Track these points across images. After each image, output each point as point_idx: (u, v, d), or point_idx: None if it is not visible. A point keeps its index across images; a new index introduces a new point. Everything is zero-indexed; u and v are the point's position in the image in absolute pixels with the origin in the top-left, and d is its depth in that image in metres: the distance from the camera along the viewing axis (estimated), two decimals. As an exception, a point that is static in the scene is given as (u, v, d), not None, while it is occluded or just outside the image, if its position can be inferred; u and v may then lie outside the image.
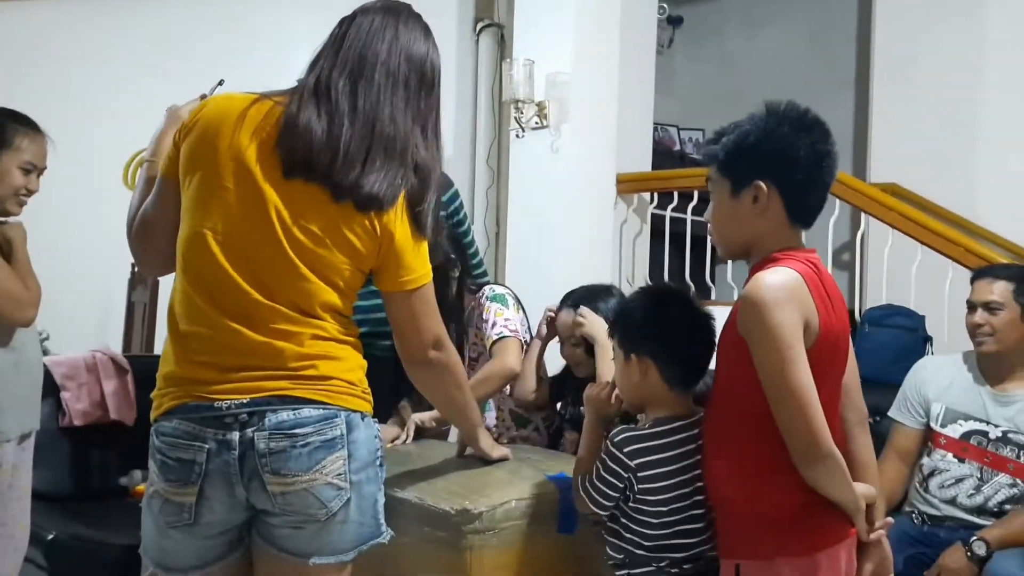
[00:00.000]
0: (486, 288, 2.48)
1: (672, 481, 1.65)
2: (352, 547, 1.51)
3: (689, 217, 3.96)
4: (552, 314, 2.40)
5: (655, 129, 5.04)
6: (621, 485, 1.65)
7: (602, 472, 1.66)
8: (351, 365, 1.54)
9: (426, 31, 1.61)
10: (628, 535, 1.67)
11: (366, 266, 1.54)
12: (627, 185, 4.06)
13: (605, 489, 1.66)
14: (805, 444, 1.48)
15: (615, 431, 1.69)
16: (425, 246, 1.58)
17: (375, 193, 1.47)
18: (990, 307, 2.46)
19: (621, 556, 1.69)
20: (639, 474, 1.64)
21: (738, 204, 1.59)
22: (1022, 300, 2.44)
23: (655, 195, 4.14)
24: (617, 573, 1.70)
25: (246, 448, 1.44)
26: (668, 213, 4.07)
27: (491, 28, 4.16)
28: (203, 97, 1.66)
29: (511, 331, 2.34)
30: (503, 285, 2.56)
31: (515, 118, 3.63)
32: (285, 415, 1.45)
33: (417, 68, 1.55)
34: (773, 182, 1.56)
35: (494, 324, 2.35)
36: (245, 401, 1.45)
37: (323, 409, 1.47)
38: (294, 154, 1.46)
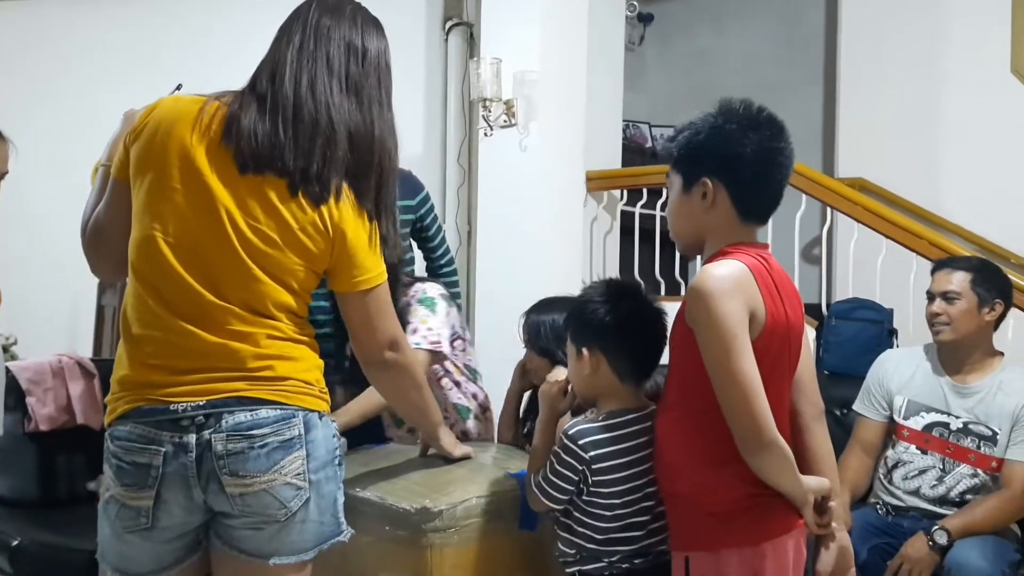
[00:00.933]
0: (418, 286, 2.40)
1: (625, 473, 1.66)
2: (313, 546, 1.51)
3: (659, 213, 3.97)
4: (524, 361, 2.31)
5: (626, 126, 5.06)
6: (576, 478, 1.66)
7: (556, 466, 1.67)
8: (307, 365, 1.54)
9: (353, 11, 1.60)
10: (580, 529, 1.68)
11: (319, 267, 1.54)
12: (597, 182, 4.07)
13: (560, 483, 1.67)
14: (749, 432, 1.49)
15: (569, 424, 1.70)
16: (378, 244, 1.57)
17: (310, 170, 1.48)
18: (948, 296, 2.50)
19: (573, 552, 1.69)
20: (593, 466, 1.65)
21: (689, 200, 1.62)
22: (979, 290, 2.48)
23: (625, 192, 4.16)
24: (568, 570, 1.71)
25: (203, 450, 1.44)
26: (638, 210, 4.09)
27: (460, 27, 4.16)
28: None
29: (430, 343, 2.29)
30: (436, 285, 2.46)
31: (483, 116, 3.63)
32: (242, 416, 1.45)
33: (339, 39, 1.55)
34: (720, 179, 1.59)
35: (415, 331, 2.29)
36: (201, 403, 1.44)
37: (280, 409, 1.47)
38: (242, 150, 1.46)
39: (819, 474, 1.65)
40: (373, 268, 1.57)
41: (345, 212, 1.52)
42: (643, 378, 1.73)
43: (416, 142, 4.12)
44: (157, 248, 1.46)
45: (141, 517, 1.46)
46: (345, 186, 1.52)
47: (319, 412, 1.52)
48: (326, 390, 1.56)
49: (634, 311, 1.73)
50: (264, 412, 1.46)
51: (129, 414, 1.46)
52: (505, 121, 3.64)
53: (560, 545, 1.72)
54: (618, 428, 1.68)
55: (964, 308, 2.48)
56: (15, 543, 2.53)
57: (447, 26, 4.15)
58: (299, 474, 1.47)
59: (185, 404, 1.44)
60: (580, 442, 1.66)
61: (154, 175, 1.47)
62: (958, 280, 2.50)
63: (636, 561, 1.67)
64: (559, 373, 1.84)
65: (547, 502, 1.70)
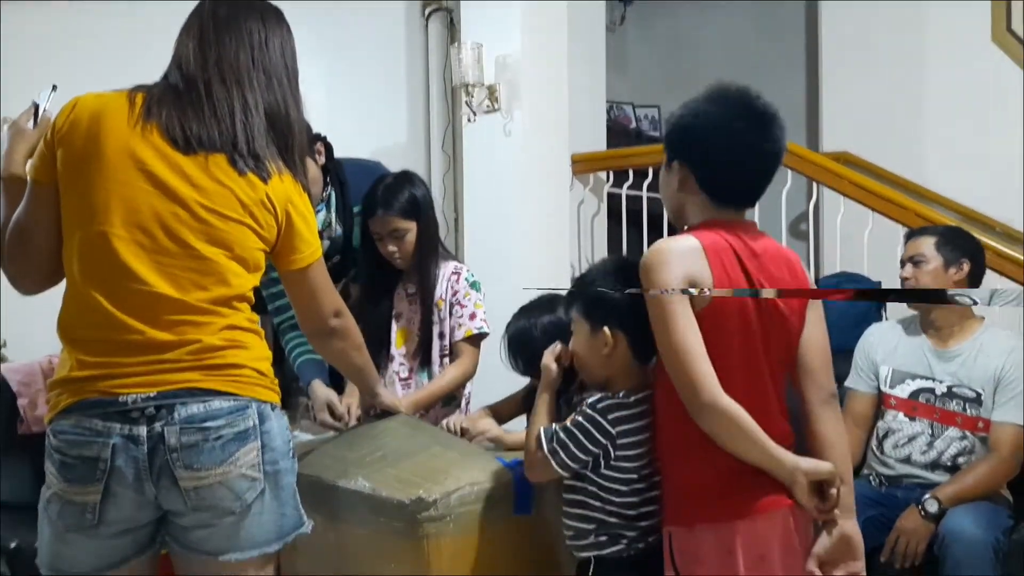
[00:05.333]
0: (464, 269, 2.48)
1: (644, 449, 1.67)
2: (275, 539, 1.50)
3: (645, 195, 3.97)
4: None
5: (610, 108, 5.04)
6: (595, 451, 1.65)
7: (577, 434, 1.66)
8: (258, 354, 1.54)
9: (249, 1, 1.62)
10: (599, 504, 1.68)
11: (269, 245, 1.56)
12: (582, 165, 4.06)
13: (576, 451, 1.66)
14: (688, 393, 1.53)
15: (597, 398, 1.69)
16: (314, 219, 1.62)
17: (238, 144, 1.49)
18: (915, 260, 2.56)
19: (591, 527, 1.68)
20: (618, 441, 1.65)
21: (669, 178, 1.69)
22: (944, 251, 2.54)
23: (611, 174, 4.15)
24: (582, 555, 1.70)
25: (155, 443, 1.42)
26: (624, 191, 4.09)
27: (440, 12, 4.13)
28: (36, 105, 1.62)
29: (487, 329, 2.40)
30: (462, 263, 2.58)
31: (466, 102, 3.62)
32: (195, 408, 1.43)
33: (238, 26, 1.56)
34: (687, 164, 1.64)
35: (473, 315, 2.41)
36: (152, 395, 1.42)
37: (233, 400, 1.46)
38: (172, 133, 1.47)
39: (829, 460, 1.60)
40: (314, 242, 1.62)
41: (289, 189, 1.56)
42: (652, 357, 1.72)
43: (400, 130, 4.10)
44: (106, 244, 1.44)
45: (87, 514, 1.42)
46: (281, 163, 1.55)
47: (271, 403, 1.52)
48: (276, 381, 1.56)
49: None
50: (217, 403, 1.44)
51: (73, 407, 1.43)
52: (488, 106, 3.62)
53: (574, 524, 1.71)
54: (639, 405, 1.69)
55: (931, 270, 2.54)
56: (13, 545, 2.53)
57: (427, 12, 4.13)
58: (254, 465, 1.46)
59: (135, 395, 1.42)
60: (609, 417, 1.66)
61: (95, 173, 1.46)
62: (924, 244, 2.57)
63: (650, 539, 1.68)
64: (555, 346, 1.83)
65: (557, 468, 1.68)
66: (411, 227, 2.37)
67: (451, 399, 2.44)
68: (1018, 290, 2.45)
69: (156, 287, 1.44)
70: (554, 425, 1.71)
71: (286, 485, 1.51)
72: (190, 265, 1.47)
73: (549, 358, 1.80)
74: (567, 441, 1.67)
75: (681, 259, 1.55)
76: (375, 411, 2.11)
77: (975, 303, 2.54)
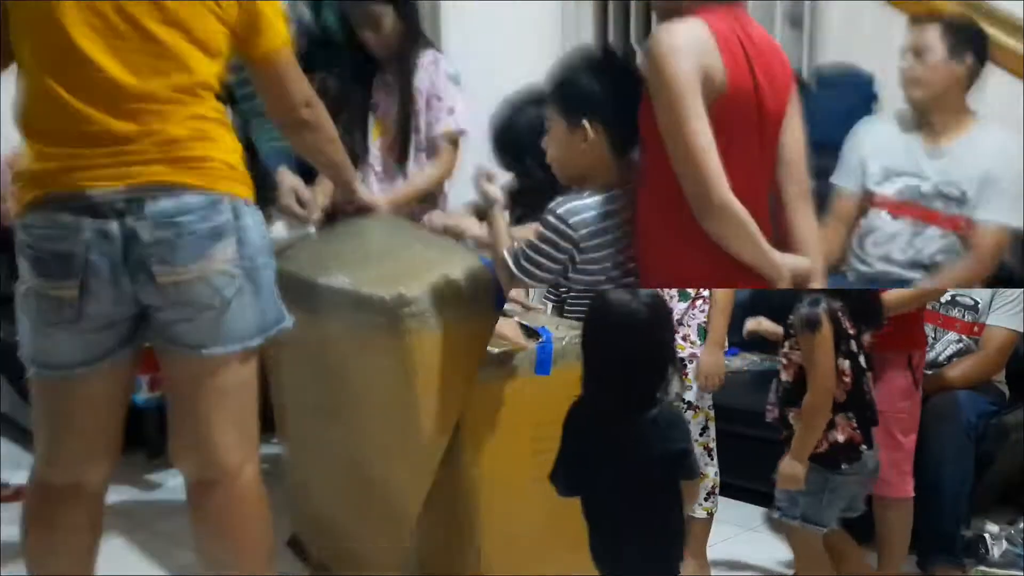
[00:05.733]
0: (443, 59, 2.36)
1: (612, 251, 1.64)
2: (256, 333, 1.50)
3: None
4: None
5: None
6: (563, 257, 1.63)
7: (542, 246, 1.63)
8: (228, 147, 1.48)
9: None
10: (572, 310, 1.70)
11: (229, 28, 1.47)
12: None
13: (545, 261, 1.64)
14: (698, 193, 1.48)
15: (556, 202, 1.65)
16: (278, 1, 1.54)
17: None
18: (917, 51, 2.44)
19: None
20: (582, 245, 1.62)
21: None
22: (949, 41, 2.41)
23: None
24: None
25: (129, 239, 1.39)
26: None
27: None
28: None
29: (465, 126, 2.32)
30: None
31: None
32: (166, 203, 1.39)
33: None
34: None
35: (452, 110, 2.32)
36: (120, 188, 1.38)
37: (206, 195, 1.42)
38: None
39: (802, 255, 1.62)
40: (280, 26, 1.54)
41: None
42: (631, 150, 1.66)
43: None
44: (61, 30, 1.35)
45: (65, 308, 1.41)
46: None
47: (245, 199, 1.48)
48: (248, 175, 1.52)
49: (627, 79, 1.63)
50: (189, 197, 1.40)
51: (42, 201, 1.39)
52: None
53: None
54: (607, 204, 1.63)
55: (934, 62, 2.42)
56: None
57: None
58: (231, 261, 1.44)
59: (103, 190, 1.38)
60: (571, 220, 1.61)
61: None
62: (928, 33, 2.43)
63: None
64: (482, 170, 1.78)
65: (531, 283, 1.68)
66: (387, 11, 2.24)
67: (428, 197, 2.39)
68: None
69: (113, 73, 1.37)
70: (516, 244, 1.67)
71: (265, 281, 1.50)
72: (146, 48, 1.38)
73: (483, 183, 1.74)
74: (533, 255, 1.64)
75: (694, 49, 1.45)
76: (352, 208, 2.06)
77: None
